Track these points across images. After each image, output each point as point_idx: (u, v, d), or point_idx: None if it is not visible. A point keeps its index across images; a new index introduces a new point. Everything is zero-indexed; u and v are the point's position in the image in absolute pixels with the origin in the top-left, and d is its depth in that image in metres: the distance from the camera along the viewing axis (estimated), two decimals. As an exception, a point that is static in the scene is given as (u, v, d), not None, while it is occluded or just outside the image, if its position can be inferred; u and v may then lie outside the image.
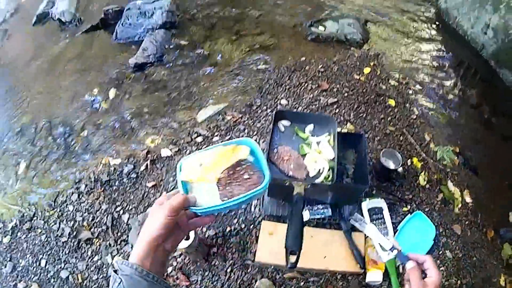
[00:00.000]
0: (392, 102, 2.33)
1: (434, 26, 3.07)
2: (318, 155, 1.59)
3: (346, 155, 1.75)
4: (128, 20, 2.95)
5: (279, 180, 1.52)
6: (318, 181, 1.54)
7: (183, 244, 1.45)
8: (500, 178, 2.14)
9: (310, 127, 1.68)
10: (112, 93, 2.45)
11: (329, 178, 1.54)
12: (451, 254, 1.76)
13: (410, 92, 2.47)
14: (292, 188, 1.48)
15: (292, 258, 1.23)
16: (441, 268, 1.71)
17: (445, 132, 2.27)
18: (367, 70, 2.53)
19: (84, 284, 1.63)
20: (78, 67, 2.74)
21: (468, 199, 1.96)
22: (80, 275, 1.64)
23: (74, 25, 3.18)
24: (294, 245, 1.25)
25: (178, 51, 2.72)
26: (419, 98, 2.45)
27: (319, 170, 1.56)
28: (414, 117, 2.28)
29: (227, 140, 2.04)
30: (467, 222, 1.88)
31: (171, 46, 2.75)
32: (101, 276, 1.62)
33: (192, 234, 1.47)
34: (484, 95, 2.51)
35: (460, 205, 1.92)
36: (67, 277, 1.66)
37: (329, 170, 1.56)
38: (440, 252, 1.76)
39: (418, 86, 2.53)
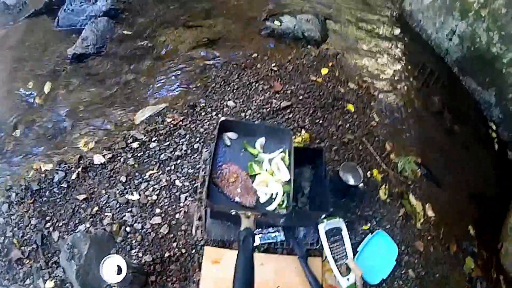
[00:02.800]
0: (351, 107, 2.20)
1: (396, 28, 2.97)
2: (270, 177, 1.41)
3: (301, 171, 1.57)
4: (71, 5, 2.73)
5: (224, 208, 1.33)
6: (270, 208, 1.37)
7: (115, 279, 1.24)
8: (462, 189, 2.09)
9: (261, 140, 1.49)
10: (47, 87, 2.27)
11: (284, 205, 1.37)
12: (414, 273, 1.68)
13: (370, 97, 2.34)
14: (239, 218, 1.28)
15: None
16: (404, 289, 1.62)
17: (406, 141, 2.17)
18: (324, 71, 2.37)
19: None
20: (17, 56, 2.51)
21: (430, 213, 1.88)
22: (14, 301, 1.49)
23: (18, 9, 2.92)
24: None
25: (121, 42, 2.51)
26: (379, 103, 2.33)
27: (272, 195, 1.38)
28: (374, 124, 2.16)
29: (166, 145, 1.86)
30: (429, 238, 1.81)
31: (113, 36, 2.54)
32: (35, 303, 1.47)
33: (124, 266, 1.25)
34: (446, 102, 2.44)
35: (422, 220, 1.84)
36: (2, 303, 1.51)
37: (283, 194, 1.38)
38: (403, 272, 1.67)
39: (378, 91, 2.42)
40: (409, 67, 2.65)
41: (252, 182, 1.39)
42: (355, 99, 2.26)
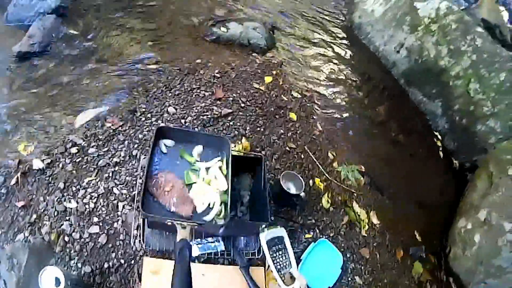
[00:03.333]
0: (293, 116, 2.21)
1: (344, 39, 3.06)
2: (207, 186, 1.38)
3: (241, 180, 1.55)
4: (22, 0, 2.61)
5: (159, 219, 1.29)
6: (207, 218, 1.33)
7: None
8: (407, 196, 2.16)
9: (198, 149, 1.46)
10: None
11: (221, 215, 1.33)
12: (361, 279, 1.70)
13: (314, 106, 2.38)
14: (175, 228, 1.24)
15: None
16: (352, 296, 1.63)
17: (349, 150, 2.21)
18: (268, 79, 2.38)
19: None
20: (-37, 55, 2.39)
21: (375, 220, 1.92)
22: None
23: (-34, 4, 2.80)
24: None
25: (66, 41, 2.43)
26: (322, 112, 2.37)
27: (209, 204, 1.35)
28: (317, 133, 2.19)
29: (105, 150, 1.80)
30: (375, 244, 1.84)
31: (59, 35, 2.46)
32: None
33: (62, 278, 1.18)
34: (391, 112, 2.53)
35: (366, 227, 1.87)
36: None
37: (221, 204, 1.35)
38: (349, 279, 1.68)
39: (322, 100, 2.46)
40: (355, 77, 2.72)
41: (189, 191, 1.36)
42: (298, 108, 2.28)
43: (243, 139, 1.95)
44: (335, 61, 2.81)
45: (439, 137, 2.56)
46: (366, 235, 1.84)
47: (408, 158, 2.34)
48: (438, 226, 2.13)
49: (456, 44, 2.39)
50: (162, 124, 1.88)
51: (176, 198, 1.32)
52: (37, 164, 1.72)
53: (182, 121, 1.96)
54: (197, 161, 1.42)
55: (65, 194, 1.62)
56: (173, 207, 1.31)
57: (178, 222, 1.24)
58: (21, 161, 1.74)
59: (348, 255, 1.73)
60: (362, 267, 1.73)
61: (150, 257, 1.47)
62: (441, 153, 2.51)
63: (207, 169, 1.40)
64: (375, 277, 1.73)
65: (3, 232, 1.52)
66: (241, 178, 1.55)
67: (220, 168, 1.40)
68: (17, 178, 1.66)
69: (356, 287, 1.67)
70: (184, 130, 1.72)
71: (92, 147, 1.79)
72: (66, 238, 1.51)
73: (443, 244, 2.03)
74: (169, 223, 1.25)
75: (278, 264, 1.51)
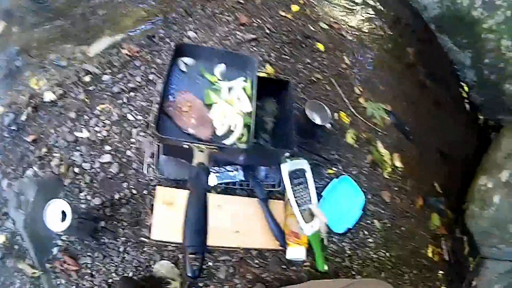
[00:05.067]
0: (321, 47, 2.09)
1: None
2: (229, 107, 1.26)
3: (264, 105, 1.43)
4: None
5: (175, 141, 1.18)
6: (228, 142, 1.22)
7: (59, 227, 1.09)
8: (430, 144, 2.07)
9: (221, 67, 1.33)
10: (1, 26, 2.00)
11: (244, 139, 1.23)
12: (380, 224, 1.65)
13: (342, 39, 2.24)
14: (192, 155, 1.13)
15: (195, 261, 0.90)
16: (369, 240, 1.60)
17: (376, 88, 2.09)
18: (295, 8, 2.23)
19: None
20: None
21: (397, 164, 1.84)
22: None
23: None
24: (195, 243, 0.92)
25: None
26: (351, 46, 2.24)
27: (230, 126, 1.25)
28: (344, 66, 2.07)
29: (119, 77, 1.69)
30: (396, 189, 1.77)
31: None
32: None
33: (68, 211, 1.10)
34: (420, 56, 2.38)
35: (389, 170, 1.80)
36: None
37: (243, 127, 1.25)
38: (369, 222, 1.63)
39: (351, 34, 2.31)
40: (385, 17, 2.54)
41: (208, 112, 1.26)
42: (326, 39, 2.15)
43: (267, 65, 1.84)
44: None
45: (466, 88, 2.43)
46: (388, 177, 1.76)
47: (433, 104, 2.23)
48: (459, 179, 2.04)
49: (489, -4, 2.21)
50: (181, 42, 1.76)
51: (194, 120, 1.21)
52: (49, 96, 1.63)
53: (203, 45, 1.83)
54: (219, 80, 1.31)
55: (76, 123, 1.53)
56: (190, 129, 1.19)
57: (196, 144, 1.13)
58: (32, 96, 1.64)
59: (369, 197, 1.66)
60: (382, 211, 1.67)
61: (164, 186, 1.39)
62: (466, 105, 2.40)
63: (230, 89, 1.29)
64: (393, 223, 1.68)
65: (13, 170, 1.45)
66: (264, 103, 1.43)
67: (244, 89, 1.30)
68: (28, 113, 1.57)
69: (374, 231, 1.62)
70: (205, 47, 1.57)
71: (106, 74, 1.69)
72: (76, 170, 1.43)
73: (462, 199, 1.96)
74: (186, 146, 1.15)
75: (298, 198, 1.43)
